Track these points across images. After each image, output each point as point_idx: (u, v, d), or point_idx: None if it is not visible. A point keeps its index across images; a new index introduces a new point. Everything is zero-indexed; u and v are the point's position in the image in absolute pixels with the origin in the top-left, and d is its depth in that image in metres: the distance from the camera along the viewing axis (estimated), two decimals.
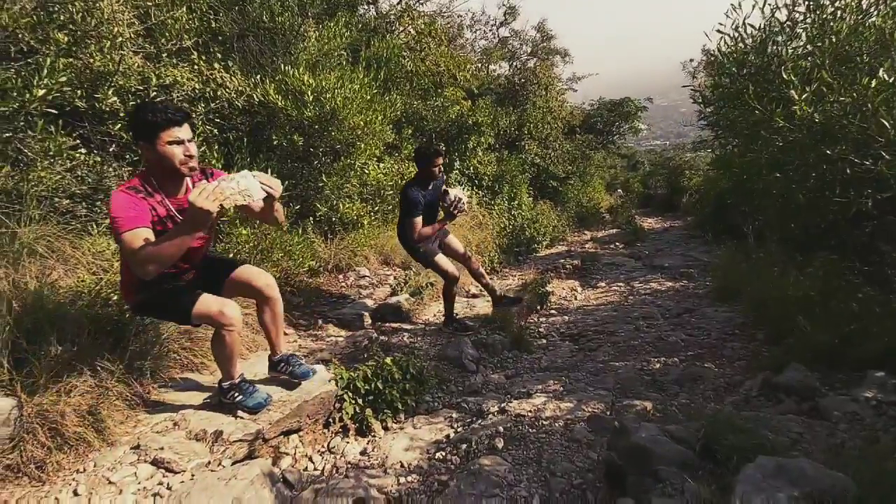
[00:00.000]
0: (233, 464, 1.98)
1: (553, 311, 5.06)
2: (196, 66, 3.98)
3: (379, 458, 2.30)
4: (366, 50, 6.02)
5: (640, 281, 6.15)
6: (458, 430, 2.50)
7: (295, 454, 2.32)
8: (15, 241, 2.35)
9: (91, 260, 2.62)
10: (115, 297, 2.38)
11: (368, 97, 4.45)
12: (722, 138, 4.68)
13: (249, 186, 1.66)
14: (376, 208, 5.30)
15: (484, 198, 8.66)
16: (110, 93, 3.34)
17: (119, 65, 3.43)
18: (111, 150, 3.39)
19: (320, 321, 3.96)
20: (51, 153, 2.52)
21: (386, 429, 2.61)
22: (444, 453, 2.25)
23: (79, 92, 3.25)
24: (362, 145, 4.52)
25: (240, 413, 2.15)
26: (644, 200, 17.51)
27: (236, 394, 2.17)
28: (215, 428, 2.01)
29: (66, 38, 3.09)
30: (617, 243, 9.49)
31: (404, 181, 4.19)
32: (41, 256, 2.43)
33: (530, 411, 2.36)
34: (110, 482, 1.73)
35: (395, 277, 4.84)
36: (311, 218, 4.70)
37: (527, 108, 11.03)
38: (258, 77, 4.11)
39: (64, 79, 2.51)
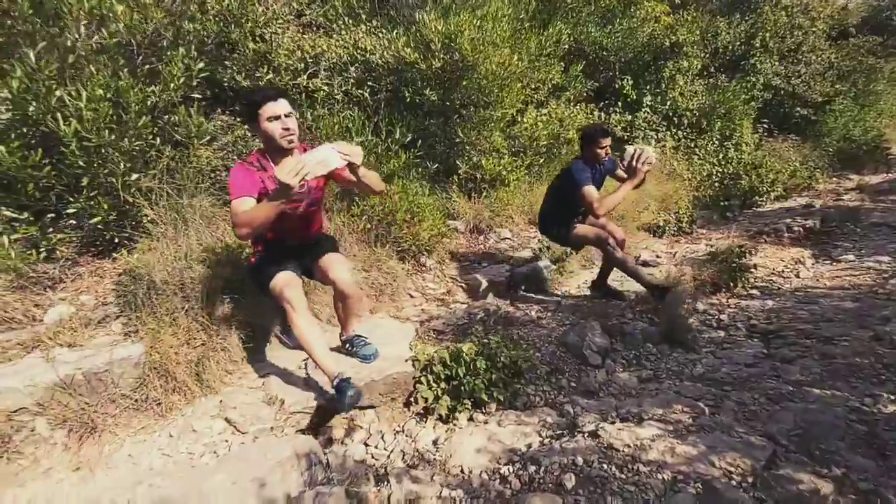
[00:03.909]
0: (296, 432, 2.05)
1: (752, 292, 3.80)
2: (341, 35, 4.11)
3: (444, 454, 2.07)
4: None
5: None
6: (545, 440, 2.07)
7: (370, 428, 2.29)
8: (180, 212, 2.85)
9: None
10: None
11: (508, 33, 3.88)
12: None
13: (327, 157, 1.75)
14: (527, 162, 4.78)
15: (684, 139, 7.01)
16: (265, 70, 3.71)
17: (273, 44, 3.76)
18: None
19: (449, 285, 3.85)
20: (203, 133, 2.93)
21: (470, 419, 2.35)
22: (510, 469, 1.87)
23: (242, 73, 3.71)
24: (503, 94, 4.02)
25: (310, 383, 2.20)
26: None
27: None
28: (283, 396, 2.09)
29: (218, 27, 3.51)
30: None
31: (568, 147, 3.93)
32: (200, 225, 2.89)
33: (629, 445, 1.75)
34: (194, 430, 1.98)
35: (539, 240, 4.34)
36: (454, 176, 4.54)
37: (763, 12, 8.27)
38: (395, 33, 4.00)
39: (202, 64, 2.82)
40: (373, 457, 2.15)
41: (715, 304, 3.60)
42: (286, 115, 1.94)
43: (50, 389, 1.97)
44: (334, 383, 2.09)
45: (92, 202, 2.64)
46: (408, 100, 3.98)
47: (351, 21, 4.26)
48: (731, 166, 6.71)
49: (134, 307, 2.33)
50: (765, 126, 8.13)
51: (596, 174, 3.25)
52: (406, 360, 2.39)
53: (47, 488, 1.77)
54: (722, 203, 6.40)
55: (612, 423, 1.95)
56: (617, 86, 6.80)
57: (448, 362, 2.30)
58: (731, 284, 3.85)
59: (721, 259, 3.95)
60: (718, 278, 3.83)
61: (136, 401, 2.10)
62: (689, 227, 5.55)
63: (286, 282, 2.05)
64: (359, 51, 3.90)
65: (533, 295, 3.71)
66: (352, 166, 1.88)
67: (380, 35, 4.06)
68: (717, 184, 6.53)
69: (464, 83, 3.76)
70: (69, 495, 1.73)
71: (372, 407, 2.28)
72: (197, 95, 2.91)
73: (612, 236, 3.26)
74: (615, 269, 3.44)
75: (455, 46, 3.63)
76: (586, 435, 1.90)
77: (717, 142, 7.12)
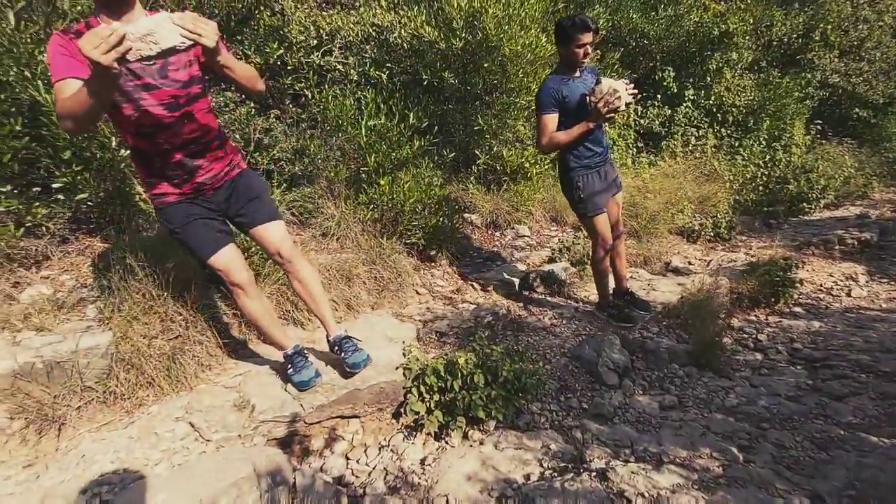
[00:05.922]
0: (267, 441, 1.85)
1: (796, 311, 3.41)
2: (359, 11, 3.86)
3: (430, 478, 1.83)
4: None
5: None
6: (546, 472, 1.80)
7: (352, 440, 2.07)
8: None
9: None
10: None
11: (538, 14, 3.55)
12: None
13: (155, 32, 1.21)
14: (552, 154, 4.44)
15: (727, 137, 6.48)
16: (275, 46, 3.50)
17: (286, 19, 3.55)
18: (269, 101, 3.62)
19: (459, 283, 3.60)
20: None
21: (465, 437, 2.11)
22: None
23: (251, 49, 3.51)
24: (529, 79, 3.70)
25: (289, 388, 1.99)
26: None
27: (288, 365, 2.01)
28: (255, 400, 1.89)
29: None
30: None
31: None
32: None
33: (643, 496, 1.47)
34: (155, 433, 1.80)
35: (559, 240, 4.02)
36: (473, 167, 4.25)
37: (825, 2, 7.56)
38: (414, 10, 3.72)
39: None
40: (353, 472, 1.93)
41: (753, 322, 3.23)
42: None
43: (10, 377, 1.83)
44: (287, 354, 1.96)
45: (78, 177, 2.50)
46: (425, 83, 3.70)
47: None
48: (779, 169, 6.17)
49: (109, 291, 2.17)
50: (818, 127, 7.47)
51: (577, 85, 2.51)
52: (396, 368, 2.15)
53: None
54: (765, 209, 5.89)
55: (626, 462, 1.67)
56: (657, 77, 6.33)
57: (442, 374, 2.05)
58: (773, 300, 3.46)
59: (762, 271, 3.56)
60: (758, 292, 3.45)
61: (102, 394, 1.94)
62: (728, 233, 5.11)
63: (231, 262, 1.79)
64: (374, 28, 3.64)
65: (548, 299, 3.41)
66: (205, 50, 1.37)
67: (399, 12, 3.80)
68: (761, 187, 6.01)
69: (485, 65, 3.45)
70: (14, 493, 1.58)
71: (356, 416, 2.06)
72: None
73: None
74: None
75: (478, 25, 3.33)
76: (593, 474, 1.62)
77: (763, 142, 6.56)
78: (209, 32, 1.31)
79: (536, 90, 2.63)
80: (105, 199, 2.66)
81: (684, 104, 6.33)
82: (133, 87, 1.53)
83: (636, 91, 2.46)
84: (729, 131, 6.56)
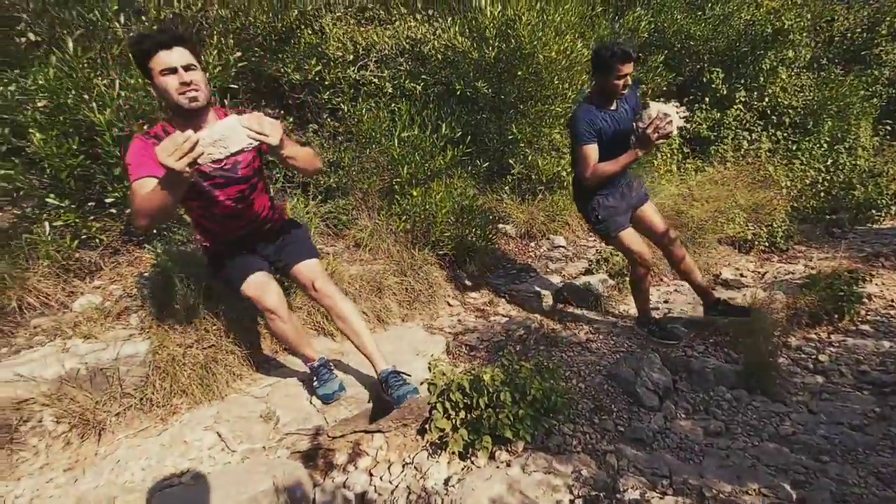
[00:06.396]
0: (290, 454, 1.85)
1: (864, 329, 3.09)
2: (394, 26, 3.92)
3: (455, 500, 1.77)
4: None
5: None
6: (577, 498, 1.70)
7: (376, 456, 2.04)
8: None
9: None
10: None
11: (574, 19, 3.46)
12: None
13: (226, 136, 1.30)
14: None
15: (783, 140, 6.07)
16: (313, 62, 3.60)
17: (324, 36, 3.65)
18: (308, 116, 3.71)
19: (491, 295, 3.53)
20: None
21: (492, 457, 2.03)
22: None
23: (291, 66, 3.63)
24: (564, 86, 3.61)
25: (313, 400, 2.00)
26: None
27: (314, 377, 2.02)
28: (280, 412, 1.91)
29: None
30: None
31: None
32: None
33: None
34: (185, 441, 1.84)
35: (597, 251, 3.87)
36: (507, 176, 4.19)
37: None
38: (449, 22, 3.73)
39: (239, 54, 2.73)
40: (376, 490, 1.90)
41: (813, 341, 2.96)
42: (185, 68, 1.52)
43: (57, 382, 1.93)
44: (313, 366, 2.00)
45: (128, 192, 2.64)
46: (458, 93, 3.69)
47: (405, 11, 4.05)
48: (843, 173, 5.70)
49: (150, 302, 2.27)
50: (888, 127, 6.87)
51: (615, 118, 2.41)
52: (421, 383, 2.12)
53: (36, 485, 1.72)
54: (828, 217, 5.45)
55: (663, 495, 1.54)
56: (705, 79, 6.04)
57: (467, 390, 1.99)
58: (836, 317, 3.16)
59: (824, 284, 3.25)
60: (819, 308, 3.16)
61: (140, 401, 2.02)
62: (785, 243, 4.75)
63: (261, 288, 1.83)
64: (408, 41, 3.68)
65: (585, 313, 3.28)
66: (270, 147, 1.45)
67: (434, 24, 3.82)
68: (822, 193, 5.57)
69: (519, 73, 3.40)
70: (54, 497, 1.66)
71: (380, 431, 2.04)
72: (234, 86, 2.83)
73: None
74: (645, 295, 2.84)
75: (512, 33, 3.29)
76: None
77: (825, 145, 6.09)
78: (273, 132, 1.39)
79: (570, 116, 2.52)
80: None
81: (735, 106, 5.99)
82: (204, 186, 1.68)
83: (688, 114, 2.31)
84: (785, 134, 6.15)
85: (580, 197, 2.65)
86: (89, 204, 2.68)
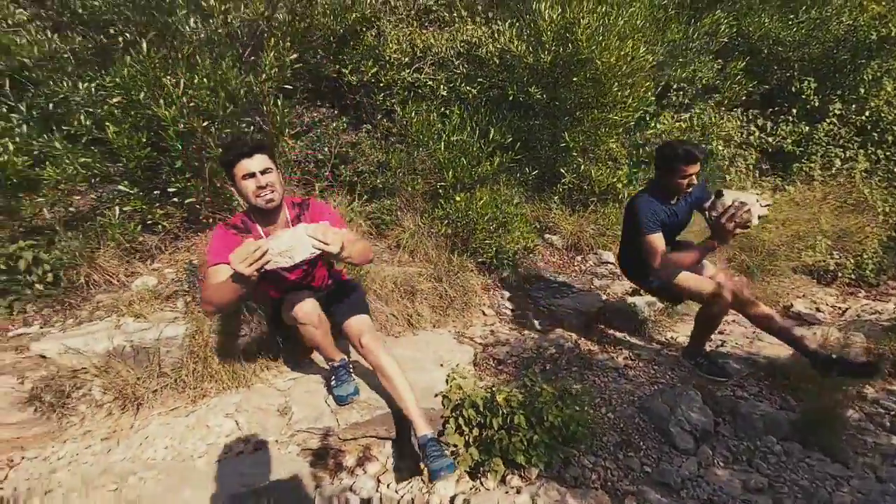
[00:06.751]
0: (301, 451, 1.89)
1: None
2: (453, 28, 3.90)
3: None
4: None
5: None
6: None
7: (386, 463, 2.04)
8: None
9: None
10: None
11: (640, 22, 3.26)
12: None
13: (292, 247, 1.45)
14: (650, 174, 4.05)
15: (884, 160, 5.36)
16: (370, 64, 3.66)
17: (383, 38, 3.71)
18: (363, 116, 3.78)
19: (529, 309, 3.41)
20: (285, 125, 2.96)
21: (502, 481, 1.96)
22: None
23: (348, 68, 3.72)
24: (625, 93, 3.41)
25: (329, 400, 2.02)
26: None
27: (332, 377, 2.05)
28: (295, 408, 1.95)
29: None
30: None
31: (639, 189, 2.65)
32: None
33: None
34: (207, 426, 1.94)
35: None
36: (557, 186, 4.04)
37: None
38: (505, 25, 3.65)
39: (294, 56, 2.83)
40: (381, 498, 1.89)
41: (893, 395, 2.57)
42: (262, 172, 1.72)
43: (105, 356, 2.11)
44: (334, 365, 2.06)
45: (190, 182, 2.83)
46: (511, 98, 3.60)
47: (466, 13, 4.02)
48: None
49: (195, 287, 2.42)
50: None
51: (674, 210, 2.42)
52: (435, 395, 2.08)
53: (77, 449, 1.88)
54: None
55: None
56: (794, 89, 5.47)
57: (481, 409, 1.93)
58: None
59: None
60: None
61: (175, 381, 2.15)
62: (876, 276, 4.19)
63: (309, 316, 1.88)
64: (464, 44, 3.64)
65: (626, 337, 3.08)
66: (329, 255, 1.55)
67: (491, 27, 3.76)
68: None
69: (575, 79, 3.25)
70: (88, 463, 1.81)
71: (391, 439, 2.03)
72: (289, 87, 2.94)
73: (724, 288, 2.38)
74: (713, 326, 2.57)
75: (569, 38, 3.15)
76: None
77: None
78: (337, 241, 1.51)
79: (629, 204, 2.50)
80: (210, 202, 2.99)
81: (828, 120, 5.37)
82: (273, 274, 1.77)
83: (770, 203, 2.15)
84: (888, 153, 5.42)
85: (632, 269, 2.67)
86: (155, 192, 2.90)
